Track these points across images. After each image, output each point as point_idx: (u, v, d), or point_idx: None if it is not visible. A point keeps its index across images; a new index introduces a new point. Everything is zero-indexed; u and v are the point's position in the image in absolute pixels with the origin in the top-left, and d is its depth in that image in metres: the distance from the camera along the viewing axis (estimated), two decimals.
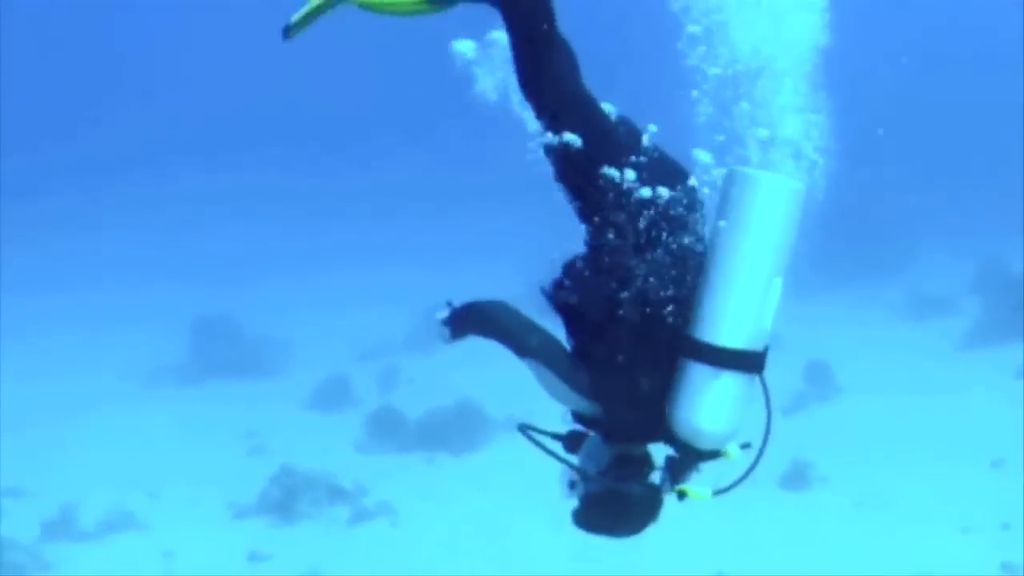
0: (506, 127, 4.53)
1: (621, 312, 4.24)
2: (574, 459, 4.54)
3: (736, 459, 4.37)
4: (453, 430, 16.56)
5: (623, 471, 4.41)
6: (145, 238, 31.80)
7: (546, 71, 4.38)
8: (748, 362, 4.25)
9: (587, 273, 4.31)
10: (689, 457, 4.35)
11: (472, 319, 4.54)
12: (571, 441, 4.56)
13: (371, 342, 22.59)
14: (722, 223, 4.25)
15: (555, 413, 4.66)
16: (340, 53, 47.24)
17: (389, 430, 17.09)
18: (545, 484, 13.64)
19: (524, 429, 4.52)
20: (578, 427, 4.58)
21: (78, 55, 48.28)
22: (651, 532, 13.05)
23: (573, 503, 4.55)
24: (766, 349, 4.33)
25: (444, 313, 4.62)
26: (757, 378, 4.32)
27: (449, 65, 4.49)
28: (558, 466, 4.51)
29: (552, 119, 4.36)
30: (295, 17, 4.45)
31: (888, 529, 12.77)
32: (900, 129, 35.66)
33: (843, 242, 25.12)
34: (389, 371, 20.12)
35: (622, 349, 4.26)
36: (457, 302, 4.62)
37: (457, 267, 26.15)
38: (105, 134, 43.77)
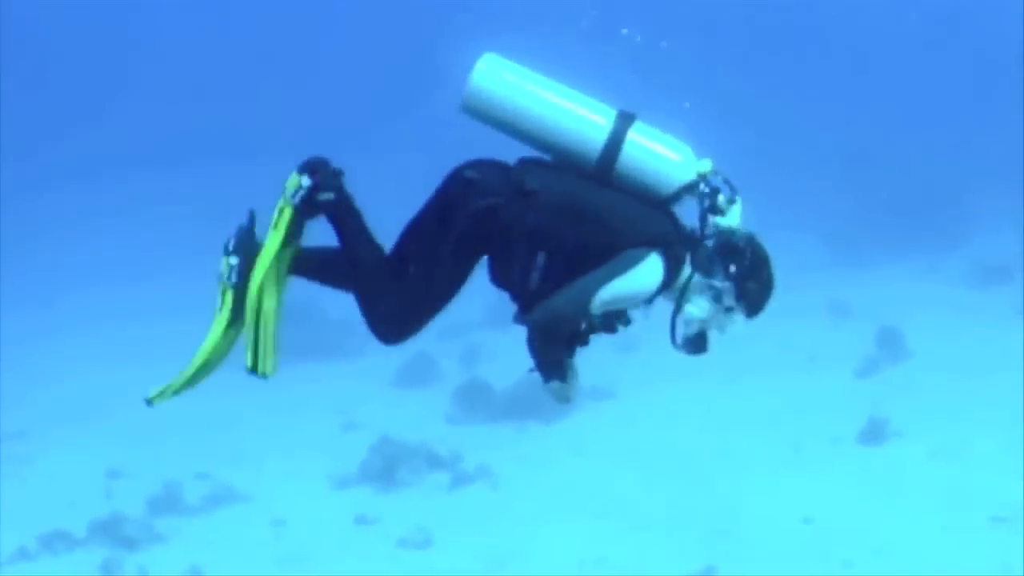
0: None
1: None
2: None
3: (712, 167, 5.06)
4: (541, 399, 16.78)
5: (727, 257, 5.05)
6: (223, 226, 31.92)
7: (383, 313, 5.24)
8: (624, 119, 5.02)
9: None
10: (700, 193, 5.06)
11: (552, 340, 5.03)
12: (695, 342, 5.18)
13: (450, 321, 22.64)
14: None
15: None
16: (374, 35, 47.41)
17: (478, 401, 17.45)
18: (637, 447, 14.37)
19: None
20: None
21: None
22: (741, 485, 13.69)
23: (740, 320, 5.18)
24: (622, 111, 5.06)
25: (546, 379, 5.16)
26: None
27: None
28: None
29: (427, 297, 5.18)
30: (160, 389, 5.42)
31: (961, 477, 13.47)
32: (957, 98, 35.81)
33: (905, 214, 25.49)
34: (471, 348, 20.38)
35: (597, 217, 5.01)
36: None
37: None
38: (150, 123, 43.61)
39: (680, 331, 5.12)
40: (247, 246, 5.30)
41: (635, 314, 5.14)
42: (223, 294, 5.31)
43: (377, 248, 5.25)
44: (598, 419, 16.37)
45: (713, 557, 12.11)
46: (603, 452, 15.11)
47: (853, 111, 36.08)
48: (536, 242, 4.96)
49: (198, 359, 5.33)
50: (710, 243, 5.03)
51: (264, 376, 5.22)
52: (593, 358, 5.38)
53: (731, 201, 5.04)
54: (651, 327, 5.20)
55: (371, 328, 5.26)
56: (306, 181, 5.14)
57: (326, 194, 5.15)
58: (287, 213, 5.17)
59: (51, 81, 47.18)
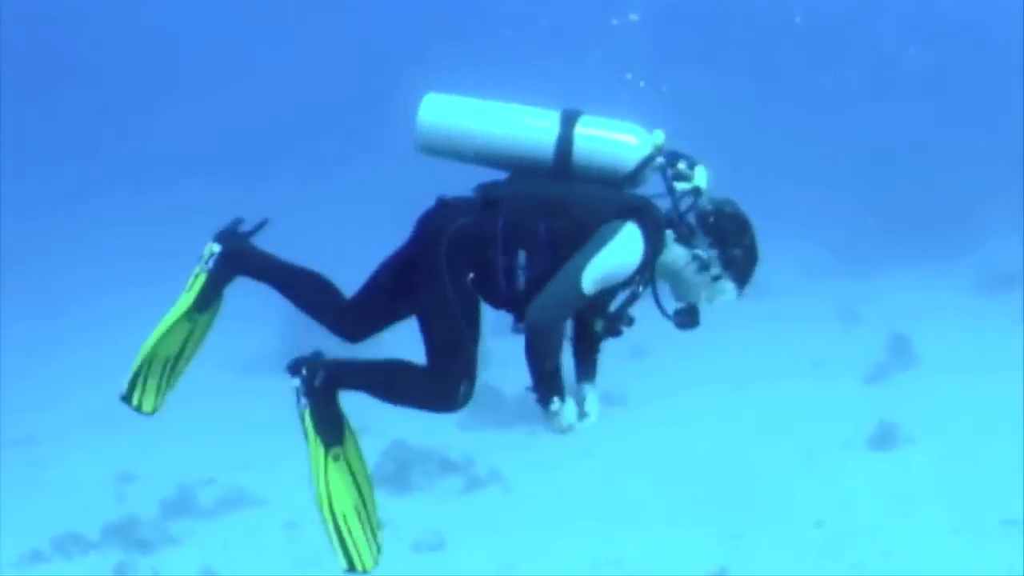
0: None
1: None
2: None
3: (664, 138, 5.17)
4: None
5: (709, 221, 5.13)
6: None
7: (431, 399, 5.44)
8: (569, 117, 5.16)
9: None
10: (660, 166, 5.16)
11: (553, 336, 5.01)
12: (686, 316, 5.21)
13: None
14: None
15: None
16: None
17: (488, 407, 16.97)
18: (648, 451, 14.41)
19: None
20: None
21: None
22: (753, 488, 13.78)
23: (730, 290, 5.21)
24: (565, 110, 5.19)
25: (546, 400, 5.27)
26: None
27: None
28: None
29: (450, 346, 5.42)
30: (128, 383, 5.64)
31: (971, 481, 13.56)
32: (966, 105, 35.86)
33: (914, 221, 25.57)
34: (481, 354, 20.41)
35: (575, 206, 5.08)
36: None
37: None
38: (163, 131, 43.68)
39: (666, 301, 5.22)
40: (235, 239, 5.51)
41: (636, 312, 5.20)
42: (195, 277, 5.50)
43: (394, 361, 5.52)
44: (609, 424, 16.23)
45: (725, 559, 12.20)
46: (614, 456, 15.09)
47: (861, 119, 36.16)
48: (513, 241, 5.05)
49: (150, 341, 5.53)
50: (690, 215, 5.13)
51: (366, 571, 5.29)
52: (603, 364, 5.44)
53: (692, 166, 5.13)
54: (659, 335, 5.31)
55: (432, 408, 5.45)
56: (296, 382, 5.45)
57: (317, 378, 5.47)
58: (306, 416, 5.46)
59: (56, 90, 47.30)
